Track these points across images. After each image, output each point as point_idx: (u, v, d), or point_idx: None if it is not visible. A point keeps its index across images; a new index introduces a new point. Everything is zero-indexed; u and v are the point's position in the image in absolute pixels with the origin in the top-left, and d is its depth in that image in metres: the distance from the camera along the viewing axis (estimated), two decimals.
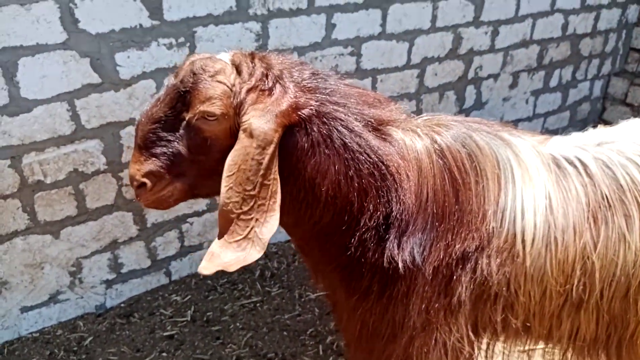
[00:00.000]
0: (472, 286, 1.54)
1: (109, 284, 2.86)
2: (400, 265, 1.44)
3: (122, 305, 2.95)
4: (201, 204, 2.99)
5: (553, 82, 4.39)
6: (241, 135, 1.32)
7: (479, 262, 1.51)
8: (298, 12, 2.83)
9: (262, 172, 1.30)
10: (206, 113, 1.33)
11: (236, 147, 1.32)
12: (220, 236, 1.34)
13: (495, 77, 3.95)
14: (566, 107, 4.65)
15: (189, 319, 2.87)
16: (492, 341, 1.72)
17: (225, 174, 1.30)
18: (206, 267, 1.31)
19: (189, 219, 2.99)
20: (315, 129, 1.37)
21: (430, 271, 1.49)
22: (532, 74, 4.19)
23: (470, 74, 3.78)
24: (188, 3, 2.49)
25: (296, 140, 1.37)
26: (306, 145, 1.37)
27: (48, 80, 2.30)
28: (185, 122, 1.37)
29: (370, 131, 1.43)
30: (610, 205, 1.53)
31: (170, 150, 1.38)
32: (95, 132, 2.50)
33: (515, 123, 4.24)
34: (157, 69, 2.54)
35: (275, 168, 1.33)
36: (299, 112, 1.36)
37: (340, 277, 1.60)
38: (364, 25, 3.10)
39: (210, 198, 1.57)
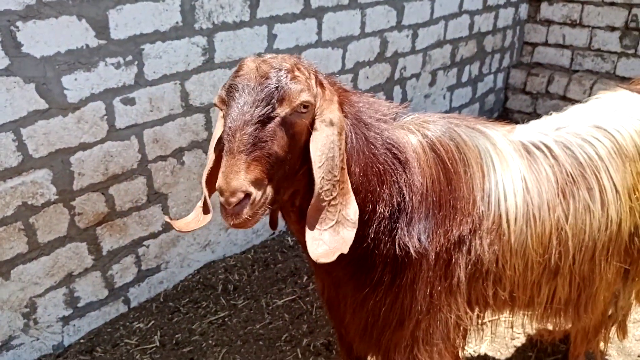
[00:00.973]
0: (468, 266, 1.69)
1: (65, 320, 2.68)
2: (412, 251, 1.54)
3: (82, 341, 2.77)
4: (156, 224, 2.90)
5: (464, 78, 4.78)
6: (321, 126, 1.36)
7: (473, 243, 1.66)
8: (241, 25, 2.86)
9: (342, 156, 1.37)
10: (304, 103, 1.31)
11: (318, 138, 1.35)
12: (310, 227, 1.36)
13: (417, 76, 4.23)
14: (476, 99, 5.08)
15: (157, 344, 2.77)
16: (482, 313, 1.88)
17: (315, 165, 1.32)
18: (325, 254, 1.32)
19: (145, 242, 2.88)
20: (349, 116, 1.46)
21: (433, 257, 1.62)
22: (447, 71, 4.53)
23: (397, 75, 4.01)
24: (134, 20, 2.42)
25: None
26: (347, 130, 1.44)
27: None
28: (279, 118, 1.30)
29: (382, 121, 1.54)
30: (574, 181, 1.76)
31: (268, 151, 1.27)
32: (44, 161, 2.35)
33: None
34: (105, 89, 2.44)
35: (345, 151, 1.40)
36: (341, 102, 1.45)
37: (351, 272, 1.67)
38: (302, 35, 3.19)
39: (280, 206, 1.49)
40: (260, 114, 1.28)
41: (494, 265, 1.71)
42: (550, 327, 2.24)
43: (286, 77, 1.32)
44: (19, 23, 2.09)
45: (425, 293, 1.67)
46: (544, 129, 1.86)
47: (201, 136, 2.93)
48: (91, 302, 2.75)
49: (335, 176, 1.35)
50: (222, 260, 3.35)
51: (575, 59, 5.01)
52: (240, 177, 1.22)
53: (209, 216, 1.50)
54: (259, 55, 1.42)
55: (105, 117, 2.48)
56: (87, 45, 2.31)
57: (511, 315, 1.98)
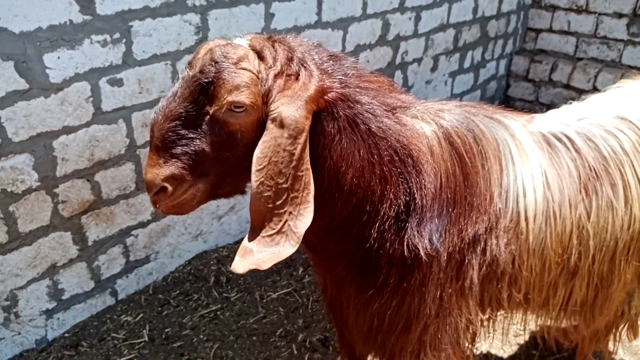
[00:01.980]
0: (482, 268, 1.56)
1: (49, 314, 2.54)
2: (422, 252, 1.42)
3: (67, 335, 2.63)
4: (145, 213, 2.75)
5: (466, 64, 4.63)
6: (270, 125, 1.22)
7: (488, 243, 1.54)
8: (237, 2, 2.68)
9: (294, 163, 1.22)
10: (234, 103, 1.20)
11: (265, 138, 1.22)
12: (252, 232, 1.25)
13: (419, 61, 4.08)
14: (477, 86, 4.94)
15: (146, 339, 2.64)
16: (494, 315, 1.77)
17: (254, 167, 1.20)
18: (240, 265, 1.22)
19: (134, 232, 2.74)
20: (341, 113, 1.30)
21: (445, 257, 1.49)
22: (449, 56, 4.38)
23: (398, 59, 3.86)
24: None
25: (323, 126, 1.29)
26: (333, 130, 1.29)
27: None
28: (209, 116, 1.23)
29: (389, 114, 1.39)
30: (597, 176, 1.63)
31: (192, 149, 1.24)
32: (25, 146, 2.18)
33: None
34: (91, 69, 2.27)
35: (307, 158, 1.24)
36: (326, 96, 1.27)
37: (354, 272, 1.54)
38: (301, 14, 3.02)
39: (232, 197, 1.41)
40: (183, 109, 1.22)
41: (510, 266, 1.59)
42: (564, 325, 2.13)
43: (225, 69, 1.20)
44: None
45: (435, 296, 1.54)
46: (565, 119, 1.72)
47: None
48: (76, 295, 2.61)
49: (279, 183, 1.22)
50: (214, 251, 3.21)
51: (580, 46, 4.87)
52: (153, 171, 1.25)
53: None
54: (259, 33, 1.27)
55: (91, 98, 2.31)
56: (70, 21, 2.13)
57: (523, 317, 1.87)
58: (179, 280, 3.00)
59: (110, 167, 2.49)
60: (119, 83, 2.38)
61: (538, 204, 1.57)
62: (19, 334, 2.47)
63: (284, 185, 1.22)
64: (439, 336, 1.63)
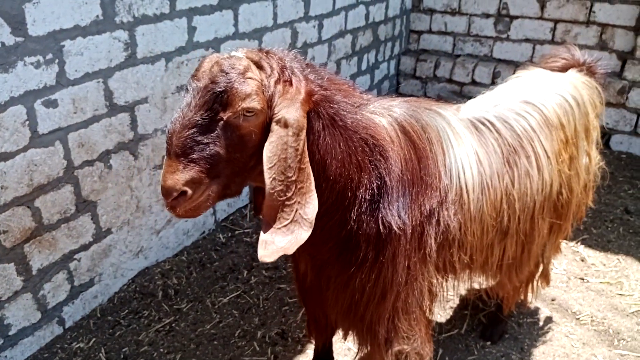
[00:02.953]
0: (437, 236, 1.84)
1: None
2: (394, 227, 1.65)
3: None
4: (86, 235, 2.70)
5: (363, 66, 5.01)
6: (275, 127, 1.38)
7: (441, 214, 1.82)
8: (162, 17, 2.74)
9: (298, 157, 1.38)
10: (248, 109, 1.34)
11: (272, 139, 1.37)
12: (267, 225, 1.40)
13: (324, 66, 4.36)
14: (374, 86, 5.36)
15: None
16: (448, 277, 2.05)
17: (266, 166, 1.35)
18: (267, 255, 1.36)
19: (76, 255, 2.67)
20: (324, 112, 1.49)
21: (410, 230, 1.74)
22: (349, 60, 4.72)
23: None
24: (53, 15, 2.21)
25: (311, 124, 1.47)
26: (319, 128, 1.48)
27: None
28: (222, 122, 1.35)
29: (357, 111, 1.60)
30: (515, 151, 1.99)
31: (208, 153, 1.35)
32: None
33: None
34: (25, 92, 2.21)
35: (306, 151, 1.42)
36: (313, 98, 1.47)
37: (337, 254, 1.74)
38: (220, 27, 3.14)
39: (237, 195, 1.53)
40: (199, 117, 1.35)
41: (458, 232, 1.88)
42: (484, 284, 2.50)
43: (235, 79, 1.35)
44: None
45: (404, 265, 1.78)
46: (484, 106, 2.07)
47: (127, 137, 2.77)
48: (23, 328, 2.49)
49: (289, 177, 1.39)
50: (156, 266, 3.21)
51: (457, 44, 5.50)
52: (174, 177, 1.33)
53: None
54: (246, 48, 1.42)
55: (27, 122, 2.25)
56: (2, 44, 2.07)
57: (468, 278, 2.19)
58: (126, 300, 2.97)
59: (49, 191, 2.43)
60: (53, 104, 2.34)
61: (475, 178, 1.88)
62: None
63: (293, 178, 1.38)
64: (409, 301, 1.87)
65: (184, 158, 1.34)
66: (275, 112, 1.39)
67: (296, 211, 1.40)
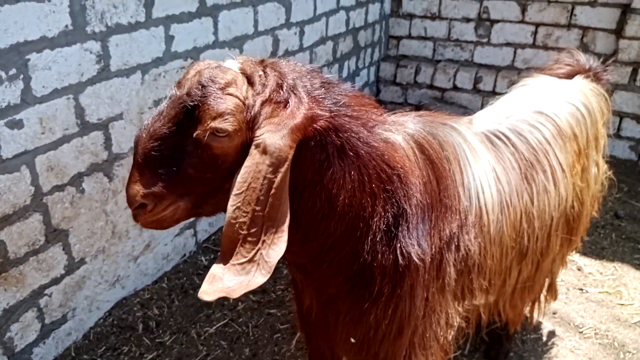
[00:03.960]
0: (457, 263, 1.68)
1: None
2: (415, 257, 1.49)
3: None
4: (58, 267, 2.44)
5: (344, 73, 4.87)
6: (253, 151, 1.20)
7: (461, 239, 1.66)
8: (137, 26, 2.51)
9: (273, 191, 1.20)
10: (217, 130, 1.17)
11: (247, 163, 1.19)
12: (223, 258, 1.21)
13: None
14: None
15: None
16: (465, 305, 1.90)
17: (233, 192, 1.18)
18: (207, 292, 1.17)
19: (47, 290, 2.40)
20: (330, 141, 1.31)
21: (429, 259, 1.58)
22: (330, 67, 4.57)
23: None
24: (16, 25, 1.97)
25: (312, 153, 1.29)
26: (322, 157, 1.31)
27: None
28: (192, 138, 1.20)
29: (372, 136, 1.42)
30: (532, 165, 1.85)
31: (174, 168, 1.23)
32: None
33: None
34: None
35: (287, 187, 1.23)
36: (315, 125, 1.27)
37: (348, 288, 1.56)
38: (199, 35, 2.92)
39: (214, 215, 1.34)
40: (167, 130, 1.21)
41: (477, 257, 1.73)
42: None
43: (211, 94, 1.19)
44: None
45: (422, 297, 1.62)
46: (496, 118, 1.93)
47: (101, 157, 2.52)
48: None
49: (256, 210, 1.20)
50: (134, 295, 2.95)
51: (437, 49, 5.40)
52: (135, 187, 1.24)
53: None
54: (243, 56, 1.25)
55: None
56: None
57: (485, 302, 2.04)
58: (102, 335, 2.71)
59: (15, 221, 2.17)
60: (18, 125, 2.08)
61: (494, 198, 1.73)
62: None
63: (260, 213, 1.19)
64: (427, 335, 1.71)
65: (147, 169, 1.23)
66: (257, 134, 1.20)
67: (258, 250, 1.20)
